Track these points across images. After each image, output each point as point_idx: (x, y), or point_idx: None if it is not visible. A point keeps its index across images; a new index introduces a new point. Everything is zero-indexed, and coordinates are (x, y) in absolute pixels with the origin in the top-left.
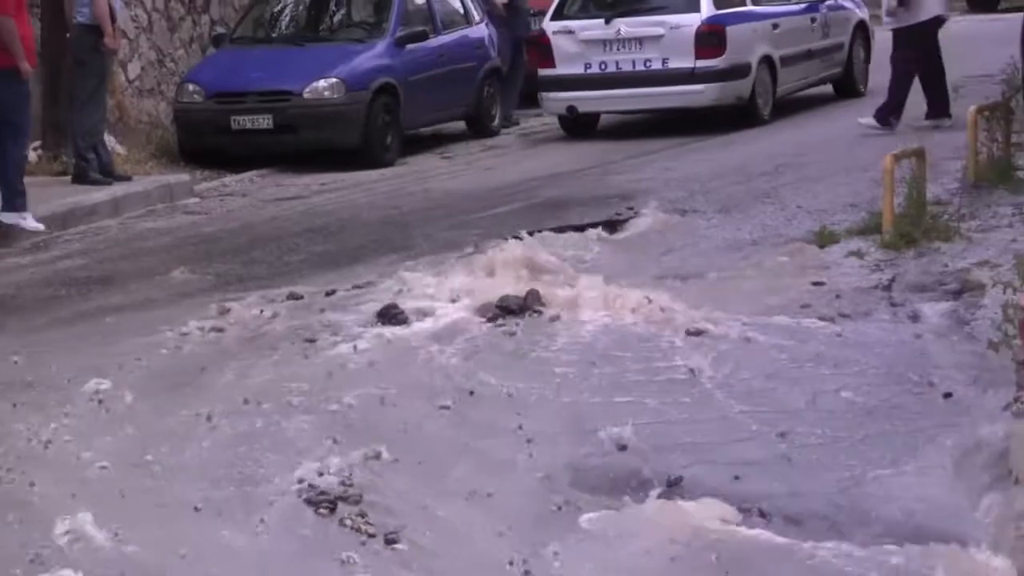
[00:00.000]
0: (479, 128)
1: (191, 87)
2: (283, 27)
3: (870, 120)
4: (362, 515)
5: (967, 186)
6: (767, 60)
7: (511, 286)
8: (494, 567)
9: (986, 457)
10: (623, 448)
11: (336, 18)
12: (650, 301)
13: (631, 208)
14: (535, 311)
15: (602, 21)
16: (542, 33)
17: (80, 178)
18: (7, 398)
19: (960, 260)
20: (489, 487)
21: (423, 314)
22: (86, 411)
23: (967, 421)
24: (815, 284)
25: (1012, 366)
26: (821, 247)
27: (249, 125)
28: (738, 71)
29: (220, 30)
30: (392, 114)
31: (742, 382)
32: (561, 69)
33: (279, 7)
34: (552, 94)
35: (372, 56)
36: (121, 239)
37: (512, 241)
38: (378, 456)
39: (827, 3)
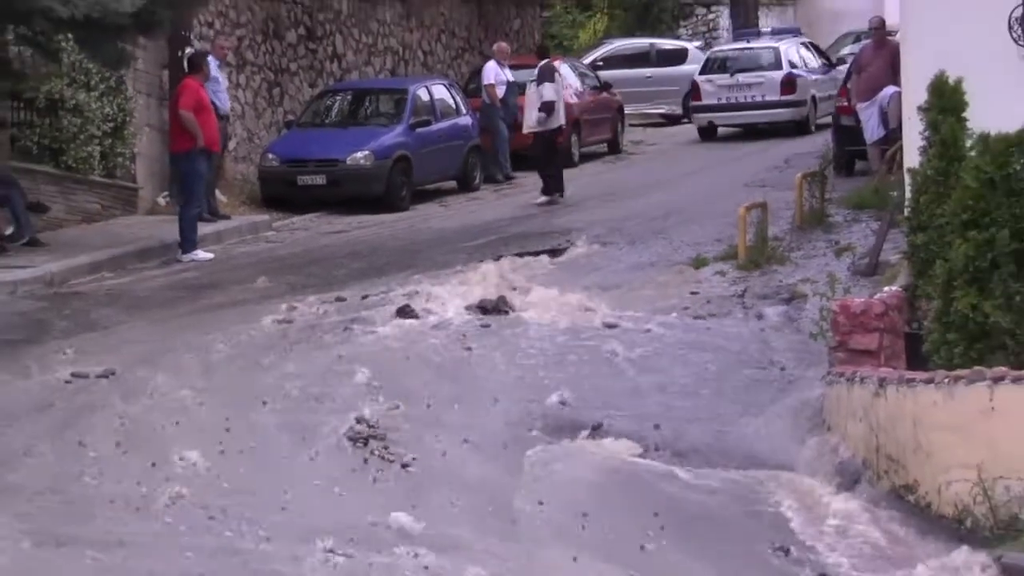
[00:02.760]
0: (465, 185)
1: (270, 156)
2: (333, 116)
3: (542, 198)
4: (386, 448)
5: (795, 228)
6: (813, 98)
7: (487, 293)
8: (476, 482)
9: (809, 412)
10: (563, 404)
11: (368, 110)
12: (584, 306)
13: (568, 240)
14: (504, 311)
15: (728, 74)
16: (694, 81)
17: None
18: (147, 367)
19: (790, 278)
20: (471, 429)
21: (427, 312)
22: (199, 376)
23: (796, 387)
24: (692, 293)
25: (826, 350)
26: (696, 268)
27: (309, 182)
28: (802, 103)
29: (290, 117)
30: (406, 175)
31: (644, 359)
32: (705, 101)
33: (330, 103)
34: (699, 115)
35: (393, 136)
36: (222, 258)
37: (488, 262)
38: (397, 407)
39: (828, 72)
